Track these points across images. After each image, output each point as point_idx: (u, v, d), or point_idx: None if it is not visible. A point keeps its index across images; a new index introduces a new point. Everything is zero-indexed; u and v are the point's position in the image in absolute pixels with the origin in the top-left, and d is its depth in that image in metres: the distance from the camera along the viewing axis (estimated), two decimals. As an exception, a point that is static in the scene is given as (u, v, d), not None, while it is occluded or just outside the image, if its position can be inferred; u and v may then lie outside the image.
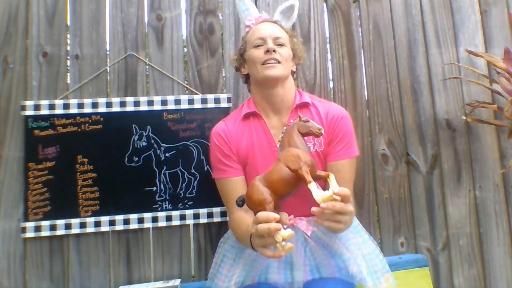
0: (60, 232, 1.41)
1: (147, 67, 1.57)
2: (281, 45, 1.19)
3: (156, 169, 1.48)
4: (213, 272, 1.27)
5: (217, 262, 1.27)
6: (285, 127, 1.07)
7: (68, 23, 1.54)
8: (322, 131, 0.98)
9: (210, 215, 1.48)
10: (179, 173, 1.49)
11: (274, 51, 1.15)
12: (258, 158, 1.18)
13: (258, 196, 0.92)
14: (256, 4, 1.66)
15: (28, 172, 1.41)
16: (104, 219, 1.43)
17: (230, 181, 1.19)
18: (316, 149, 1.18)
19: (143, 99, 1.51)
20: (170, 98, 1.53)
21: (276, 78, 1.16)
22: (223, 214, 1.48)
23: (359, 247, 1.14)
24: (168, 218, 1.47)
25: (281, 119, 1.21)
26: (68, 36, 1.54)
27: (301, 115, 1.02)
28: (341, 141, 1.17)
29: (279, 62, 1.15)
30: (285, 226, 0.87)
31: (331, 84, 1.69)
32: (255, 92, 1.25)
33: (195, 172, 1.50)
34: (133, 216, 1.45)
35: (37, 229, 1.40)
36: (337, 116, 1.19)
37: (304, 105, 1.22)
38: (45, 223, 1.40)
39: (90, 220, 1.43)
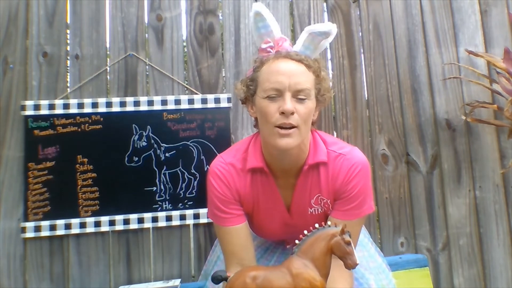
0: (60, 232, 1.41)
1: (147, 67, 1.57)
2: (303, 99, 0.91)
3: (156, 169, 1.48)
4: (207, 270, 1.27)
5: (211, 261, 1.27)
6: (317, 224, 0.84)
7: (68, 23, 1.54)
8: (356, 267, 0.79)
9: (210, 215, 1.48)
10: (179, 173, 1.49)
11: (292, 113, 0.89)
12: (263, 217, 1.04)
13: None
14: (256, 4, 1.66)
15: (28, 172, 1.41)
16: (104, 219, 1.43)
17: (229, 230, 1.00)
18: (323, 211, 1.02)
19: (143, 99, 1.51)
20: (170, 98, 1.53)
21: (290, 149, 0.92)
22: (223, 214, 1.48)
23: (366, 261, 1.13)
24: (168, 218, 1.47)
25: (289, 179, 1.01)
26: (68, 36, 1.54)
27: (346, 230, 0.80)
28: (353, 199, 0.97)
29: (296, 127, 0.90)
30: None
31: (331, 84, 1.69)
32: (263, 141, 1.00)
33: (195, 172, 1.50)
34: (133, 216, 1.45)
35: (37, 229, 1.40)
36: (351, 173, 0.97)
37: (316, 166, 0.99)
38: (45, 223, 1.40)
39: (90, 220, 1.43)
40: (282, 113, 0.88)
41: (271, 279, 0.80)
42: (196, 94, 1.56)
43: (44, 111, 1.44)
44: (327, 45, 1.02)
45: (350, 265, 0.78)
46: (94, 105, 1.48)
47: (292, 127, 0.89)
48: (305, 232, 0.84)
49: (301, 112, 0.90)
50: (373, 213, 1.61)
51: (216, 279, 0.84)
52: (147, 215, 1.46)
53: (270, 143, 0.94)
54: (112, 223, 1.44)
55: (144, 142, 1.48)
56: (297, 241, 0.84)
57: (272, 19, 1.00)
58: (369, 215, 1.57)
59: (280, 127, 0.89)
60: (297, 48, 0.99)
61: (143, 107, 1.50)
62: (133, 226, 1.45)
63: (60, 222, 1.41)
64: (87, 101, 1.48)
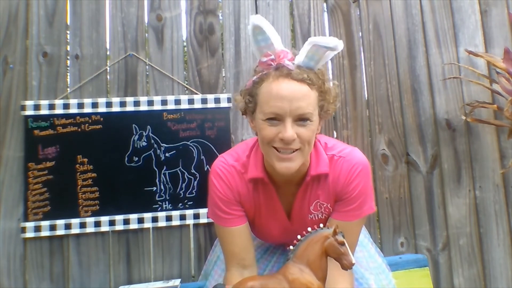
0: (60, 232, 1.41)
1: (147, 67, 1.57)
2: (305, 120, 0.87)
3: (156, 169, 1.48)
4: (207, 270, 1.27)
5: (211, 261, 1.27)
6: (309, 228, 0.84)
7: (68, 23, 1.54)
8: (352, 266, 0.79)
9: (210, 215, 1.48)
10: (179, 173, 1.49)
11: (293, 140, 0.86)
12: (264, 223, 1.04)
13: None
14: (256, 4, 1.66)
15: (28, 172, 1.41)
16: (104, 219, 1.43)
17: (230, 230, 0.99)
18: (324, 216, 1.02)
19: (143, 99, 1.51)
20: (170, 98, 1.53)
21: (291, 173, 0.90)
22: (223, 214, 1.48)
23: (366, 261, 1.14)
24: (168, 218, 1.47)
25: (290, 189, 1.00)
26: (68, 36, 1.54)
27: (338, 231, 0.80)
28: (353, 200, 0.96)
29: (298, 149, 0.88)
30: None
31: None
32: (264, 153, 0.96)
33: (195, 172, 1.50)
34: (133, 216, 1.45)
35: (37, 229, 1.40)
36: (352, 174, 0.96)
37: (318, 176, 0.98)
38: (45, 223, 1.40)
39: (90, 220, 1.43)
40: (282, 140, 0.85)
41: (268, 287, 0.80)
42: (196, 94, 1.56)
43: (44, 111, 1.44)
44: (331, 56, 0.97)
45: (346, 266, 0.78)
46: (94, 105, 1.48)
47: (294, 151, 0.87)
48: (299, 237, 0.83)
49: (303, 135, 0.87)
50: (373, 213, 1.61)
51: None
52: (147, 215, 1.46)
53: (271, 166, 0.93)
54: (112, 223, 1.44)
55: (144, 142, 1.48)
56: (291, 247, 0.84)
57: (272, 31, 0.92)
58: (369, 215, 1.57)
59: (280, 150, 0.87)
60: (300, 60, 0.91)
61: (143, 107, 1.50)
62: (133, 226, 1.45)
63: (60, 222, 1.41)
64: (87, 101, 1.48)
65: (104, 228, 1.43)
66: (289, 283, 0.79)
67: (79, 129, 1.46)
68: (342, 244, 0.78)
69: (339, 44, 0.89)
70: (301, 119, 0.86)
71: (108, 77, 1.54)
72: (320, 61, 0.92)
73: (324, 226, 0.84)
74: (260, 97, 0.90)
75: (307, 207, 1.01)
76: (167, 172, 1.49)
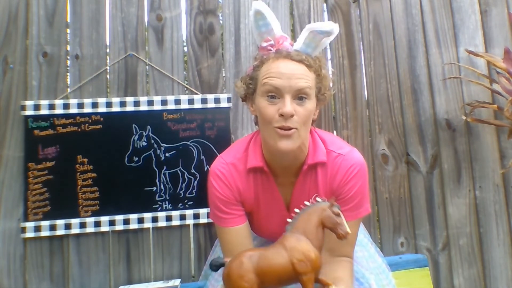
0: (60, 232, 1.41)
1: (147, 67, 1.57)
2: (303, 98, 0.90)
3: (156, 169, 1.48)
4: (207, 270, 1.27)
5: None
6: (306, 202, 0.86)
7: (68, 23, 1.54)
8: (347, 236, 0.81)
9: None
10: (179, 173, 1.49)
11: (292, 115, 0.87)
12: (263, 216, 1.05)
13: (238, 280, 0.79)
14: (256, 4, 1.66)
15: (28, 172, 1.41)
16: (104, 219, 1.43)
17: (230, 230, 1.00)
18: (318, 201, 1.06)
19: (143, 99, 1.51)
20: (170, 98, 1.53)
21: (290, 151, 0.91)
22: (223, 214, 1.48)
23: (366, 261, 1.14)
24: (168, 218, 1.47)
25: (289, 178, 1.01)
26: (68, 36, 1.54)
27: (335, 202, 0.83)
28: (350, 200, 0.97)
29: (296, 128, 0.89)
30: None
31: (331, 84, 1.69)
32: (263, 140, 0.99)
33: (195, 172, 1.50)
34: (133, 216, 1.45)
35: (37, 229, 1.40)
36: (349, 174, 0.97)
37: (315, 166, 1.00)
38: (45, 223, 1.40)
39: (90, 220, 1.43)
40: (282, 115, 0.87)
41: (267, 256, 0.81)
42: (196, 94, 1.56)
43: (44, 111, 1.44)
44: (328, 44, 1.01)
45: (342, 235, 0.80)
46: (94, 105, 1.48)
47: (292, 128, 0.89)
48: (296, 210, 0.86)
49: (301, 113, 0.89)
50: (373, 213, 1.61)
51: (215, 266, 0.85)
52: (147, 215, 1.46)
53: (270, 144, 0.93)
54: (112, 223, 1.44)
55: (144, 142, 1.48)
56: (289, 220, 0.86)
57: (272, 17, 0.97)
58: (369, 216, 1.57)
59: (279, 128, 0.89)
60: (298, 46, 0.96)
61: (143, 107, 1.50)
62: (133, 226, 1.45)
63: (60, 222, 1.41)
64: (87, 101, 1.48)
65: (104, 228, 1.43)
66: (287, 251, 0.81)
67: (79, 129, 1.46)
68: (338, 215, 0.82)
69: (335, 28, 0.94)
70: (299, 97, 0.89)
71: (108, 77, 1.54)
72: (317, 48, 0.97)
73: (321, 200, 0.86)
74: (260, 78, 0.93)
75: (306, 199, 1.01)
76: (167, 172, 1.49)
